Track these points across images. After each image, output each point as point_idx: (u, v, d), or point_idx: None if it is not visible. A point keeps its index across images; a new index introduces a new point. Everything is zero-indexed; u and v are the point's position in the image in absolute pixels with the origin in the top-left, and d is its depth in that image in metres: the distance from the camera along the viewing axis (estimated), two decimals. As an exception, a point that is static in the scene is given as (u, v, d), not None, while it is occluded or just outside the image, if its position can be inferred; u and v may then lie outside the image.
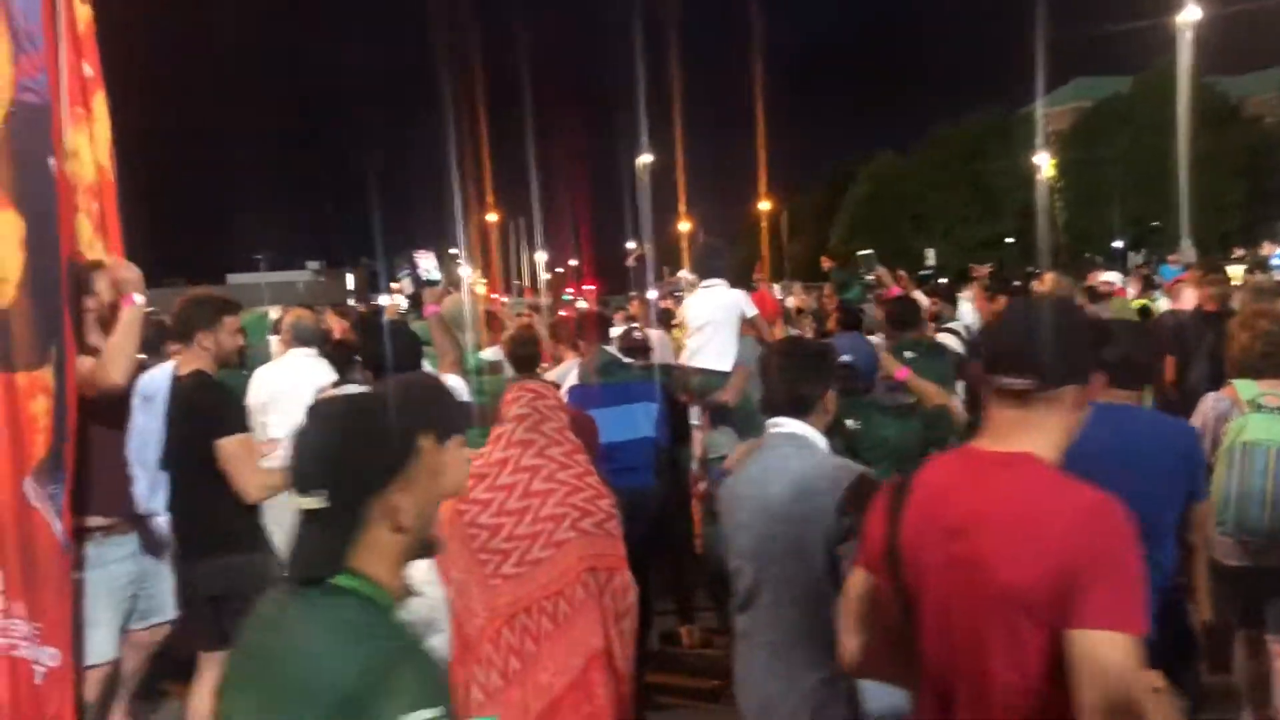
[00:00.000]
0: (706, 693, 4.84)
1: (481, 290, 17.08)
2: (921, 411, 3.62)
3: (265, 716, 1.43)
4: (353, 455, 1.49)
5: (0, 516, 2.99)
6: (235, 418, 3.72)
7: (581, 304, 12.01)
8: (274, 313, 9.04)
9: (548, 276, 41.78)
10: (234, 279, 62.78)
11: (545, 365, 5.38)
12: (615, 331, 6.08)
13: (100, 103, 3.96)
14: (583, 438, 3.52)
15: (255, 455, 3.69)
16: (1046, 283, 7.43)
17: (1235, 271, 9.16)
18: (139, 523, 3.74)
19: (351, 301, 26.24)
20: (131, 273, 3.64)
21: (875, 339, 5.25)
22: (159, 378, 3.72)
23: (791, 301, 11.99)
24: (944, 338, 6.11)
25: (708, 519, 5.40)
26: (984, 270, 8.29)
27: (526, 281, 41.32)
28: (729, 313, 5.57)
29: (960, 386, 5.25)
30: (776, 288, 12.69)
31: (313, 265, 74.22)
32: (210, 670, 3.82)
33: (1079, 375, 1.71)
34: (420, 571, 2.60)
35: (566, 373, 5.40)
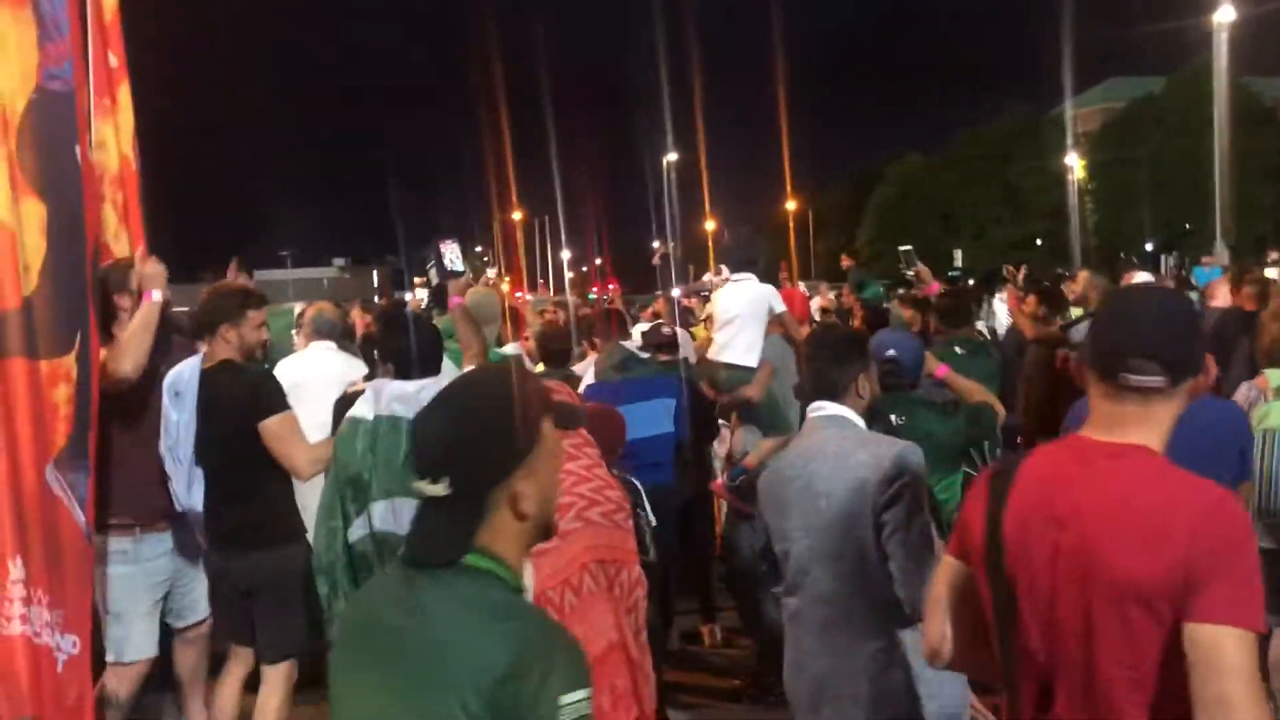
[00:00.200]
0: (728, 692, 4.81)
1: (505, 287, 17.09)
2: (965, 408, 3.60)
3: (403, 697, 1.39)
4: (480, 443, 1.45)
5: (23, 504, 3.00)
6: (273, 397, 3.63)
7: (614, 302, 11.99)
8: (299, 309, 9.05)
9: (570, 275, 41.82)
10: (259, 275, 62.83)
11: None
12: (643, 328, 6.05)
13: (125, 93, 3.97)
14: (609, 433, 3.47)
15: (300, 432, 3.61)
16: (1080, 282, 7.33)
17: (1270, 275, 9.03)
18: (177, 520, 3.73)
19: (377, 299, 26.37)
20: (154, 268, 3.63)
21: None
22: (186, 372, 3.68)
23: (817, 301, 11.90)
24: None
25: (729, 518, 5.35)
26: (1019, 271, 8.17)
27: (551, 279, 41.35)
28: (758, 307, 5.51)
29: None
30: (802, 285, 12.60)
31: (339, 262, 74.67)
32: (239, 663, 3.78)
33: (1198, 368, 1.69)
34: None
35: (585, 369, 5.37)
